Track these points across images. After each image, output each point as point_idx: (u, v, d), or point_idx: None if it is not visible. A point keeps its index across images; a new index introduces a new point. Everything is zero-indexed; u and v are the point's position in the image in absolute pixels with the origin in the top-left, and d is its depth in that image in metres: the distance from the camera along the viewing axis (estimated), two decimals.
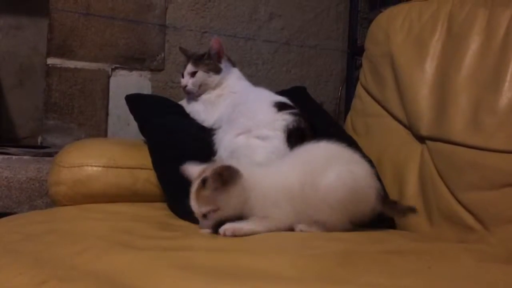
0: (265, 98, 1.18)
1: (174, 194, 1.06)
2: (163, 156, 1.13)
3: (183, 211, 0.99)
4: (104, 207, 1.04)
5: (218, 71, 1.27)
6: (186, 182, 1.03)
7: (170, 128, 1.19)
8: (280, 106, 1.12)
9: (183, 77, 1.30)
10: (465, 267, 0.66)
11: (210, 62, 1.28)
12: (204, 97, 1.28)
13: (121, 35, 1.91)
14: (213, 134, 1.19)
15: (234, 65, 1.34)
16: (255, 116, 1.12)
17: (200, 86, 1.27)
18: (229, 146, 1.10)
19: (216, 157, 1.14)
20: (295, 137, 1.05)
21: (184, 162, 1.06)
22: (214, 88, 1.28)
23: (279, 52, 2.22)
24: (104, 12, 1.87)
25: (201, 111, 1.27)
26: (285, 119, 1.08)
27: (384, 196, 0.90)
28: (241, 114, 1.15)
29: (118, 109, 1.89)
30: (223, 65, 1.28)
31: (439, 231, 0.99)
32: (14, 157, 1.55)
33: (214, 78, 1.27)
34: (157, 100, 1.41)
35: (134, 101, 1.30)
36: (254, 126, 1.09)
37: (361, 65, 1.47)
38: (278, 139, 1.05)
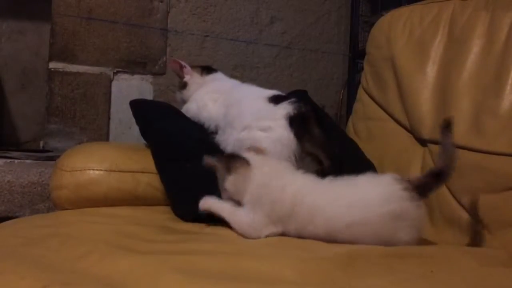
0: (258, 94, 1.20)
1: (177, 196, 1.06)
2: (165, 159, 1.13)
3: (185, 213, 1.00)
4: (106, 211, 1.04)
5: (184, 86, 1.37)
6: (188, 184, 1.04)
7: (171, 131, 1.19)
8: (276, 99, 1.13)
9: None
10: (467, 271, 0.66)
11: (179, 80, 1.40)
12: (191, 98, 1.35)
13: (123, 39, 1.91)
14: (214, 136, 1.21)
15: (209, 71, 1.39)
16: (253, 112, 1.13)
17: (181, 100, 1.39)
18: (235, 144, 1.11)
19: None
20: (297, 123, 1.07)
21: (186, 164, 1.07)
22: (190, 96, 1.35)
23: (280, 56, 2.23)
24: (106, 16, 1.88)
25: (194, 107, 1.31)
26: (285, 108, 1.09)
27: None
28: (239, 113, 1.17)
29: (120, 113, 1.90)
30: (187, 78, 1.36)
31: (442, 235, 0.98)
32: (16, 161, 1.55)
33: (183, 94, 1.37)
34: (160, 105, 1.43)
35: (138, 106, 1.31)
36: (255, 121, 1.10)
37: (362, 68, 1.47)
38: (281, 127, 1.06)
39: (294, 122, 1.07)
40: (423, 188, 0.81)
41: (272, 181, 0.86)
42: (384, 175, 0.85)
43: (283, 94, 1.18)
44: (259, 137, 1.07)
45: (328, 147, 1.05)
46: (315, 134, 1.06)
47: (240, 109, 1.18)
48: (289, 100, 1.11)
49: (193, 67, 1.39)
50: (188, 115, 1.31)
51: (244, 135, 1.10)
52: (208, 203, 0.89)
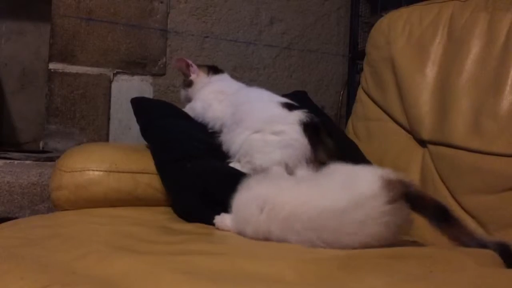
0: (270, 98, 1.21)
1: (177, 196, 1.07)
2: (166, 158, 1.13)
3: (186, 212, 1.00)
4: (106, 212, 1.04)
5: (189, 85, 1.38)
6: (189, 184, 1.04)
7: (172, 130, 1.19)
8: (290, 106, 1.14)
9: None
10: (466, 272, 0.66)
11: (184, 78, 1.40)
12: (195, 97, 1.35)
13: (122, 40, 1.91)
14: (217, 136, 1.21)
15: (216, 72, 1.39)
16: (266, 114, 1.14)
17: (185, 98, 1.40)
18: (244, 144, 1.11)
19: (230, 157, 1.15)
20: (310, 130, 1.07)
21: (186, 164, 1.07)
22: (195, 95, 1.35)
23: (280, 56, 2.23)
24: (106, 17, 1.88)
25: (199, 106, 1.31)
26: (298, 115, 1.10)
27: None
28: (248, 113, 1.16)
29: (120, 114, 1.90)
30: (194, 76, 1.37)
31: (441, 235, 0.98)
32: (16, 161, 1.55)
33: (188, 92, 1.38)
34: (161, 104, 1.43)
35: (139, 104, 1.32)
36: (267, 123, 1.10)
37: (362, 69, 1.47)
38: (295, 131, 1.07)
39: (308, 129, 1.07)
40: (418, 202, 0.73)
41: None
42: (373, 178, 0.73)
43: (296, 103, 1.18)
44: (271, 140, 1.08)
45: (340, 159, 1.04)
46: (329, 144, 1.07)
47: (251, 110, 1.17)
48: (302, 110, 1.12)
49: (199, 66, 1.39)
50: (191, 114, 1.31)
51: (256, 137, 1.09)
52: (217, 222, 0.90)
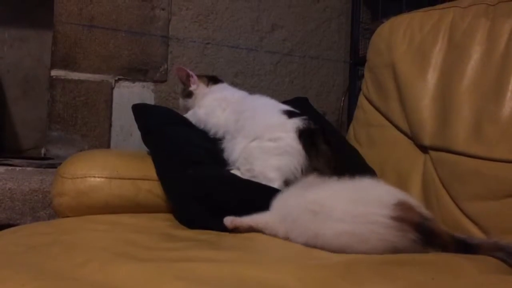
0: (272, 106, 1.23)
1: (178, 201, 1.06)
2: (167, 164, 1.13)
3: (187, 218, 1.00)
4: (107, 218, 1.04)
5: (189, 95, 1.38)
6: (189, 190, 1.04)
7: (173, 137, 1.20)
8: (290, 114, 1.17)
9: None
10: (468, 278, 0.66)
11: (184, 88, 1.40)
12: (198, 105, 1.36)
13: (124, 46, 1.92)
14: (219, 143, 1.22)
15: (215, 82, 1.40)
16: (266, 122, 1.16)
17: (183, 107, 1.41)
18: (243, 153, 1.13)
19: (229, 164, 1.16)
20: (305, 137, 1.09)
21: (186, 169, 1.07)
22: (194, 105, 1.36)
23: (281, 63, 2.24)
24: (107, 24, 1.89)
25: (202, 113, 1.32)
26: (295, 122, 1.13)
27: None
28: (250, 120, 1.18)
29: (121, 120, 1.90)
30: (194, 87, 1.38)
31: None
32: (17, 168, 1.55)
33: (187, 102, 1.39)
34: (162, 110, 1.43)
35: (140, 110, 1.32)
36: (266, 131, 1.13)
37: (363, 75, 1.48)
38: (290, 138, 1.09)
39: (303, 136, 1.09)
40: (434, 238, 0.73)
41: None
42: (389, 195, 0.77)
43: (297, 111, 1.20)
44: (267, 147, 1.09)
45: (334, 165, 1.06)
46: (323, 151, 1.08)
47: (252, 118, 1.19)
48: (301, 117, 1.14)
49: (199, 76, 1.39)
50: (193, 120, 1.31)
51: (253, 145, 1.12)
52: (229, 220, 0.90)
